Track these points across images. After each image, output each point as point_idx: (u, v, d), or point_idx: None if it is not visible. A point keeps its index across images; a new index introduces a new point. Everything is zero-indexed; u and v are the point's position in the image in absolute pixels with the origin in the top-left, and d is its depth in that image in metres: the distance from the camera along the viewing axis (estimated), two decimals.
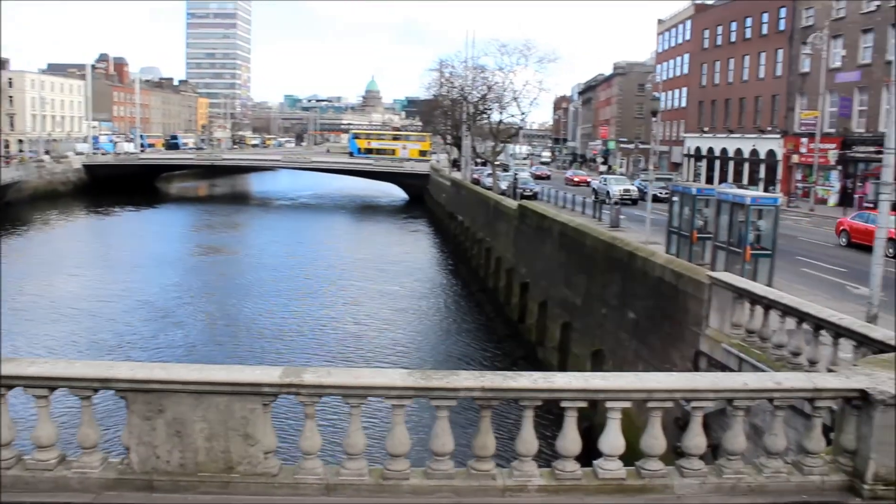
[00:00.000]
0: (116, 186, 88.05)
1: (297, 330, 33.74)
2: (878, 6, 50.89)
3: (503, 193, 51.32)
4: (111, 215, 77.09)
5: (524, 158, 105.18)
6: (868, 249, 17.59)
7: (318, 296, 41.37)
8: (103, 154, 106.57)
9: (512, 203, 40.80)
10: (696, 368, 15.25)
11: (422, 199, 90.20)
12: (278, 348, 30.70)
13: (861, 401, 8.16)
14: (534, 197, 53.47)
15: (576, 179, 79.03)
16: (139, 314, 35.61)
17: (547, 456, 7.74)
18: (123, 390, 6.72)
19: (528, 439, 7.44)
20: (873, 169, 45.75)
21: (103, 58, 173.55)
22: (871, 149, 47.84)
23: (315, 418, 7.08)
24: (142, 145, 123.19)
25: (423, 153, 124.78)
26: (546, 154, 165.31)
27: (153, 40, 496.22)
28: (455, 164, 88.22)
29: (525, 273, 33.59)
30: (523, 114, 63.33)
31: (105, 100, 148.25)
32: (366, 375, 7.37)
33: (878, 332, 10.59)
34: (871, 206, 32.87)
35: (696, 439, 7.98)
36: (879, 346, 9.96)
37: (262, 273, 47.60)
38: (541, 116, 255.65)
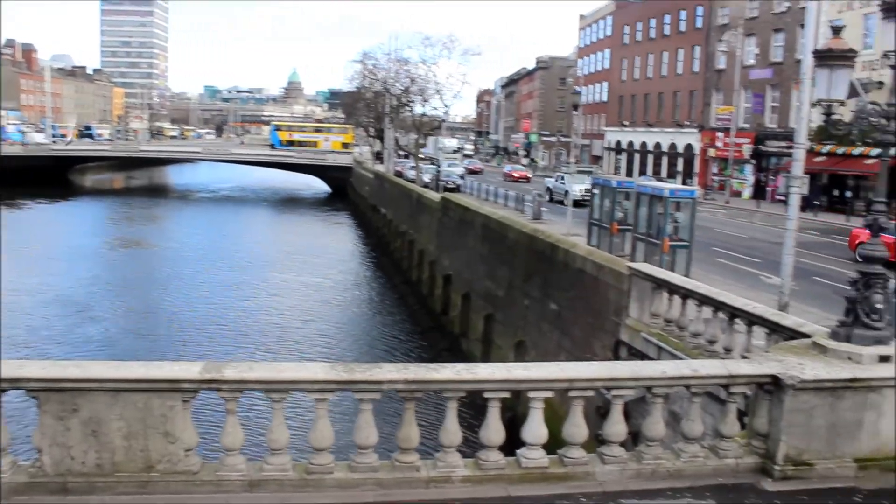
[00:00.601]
0: (26, 178, 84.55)
1: (220, 323, 33.14)
2: (788, 7, 52.72)
3: (426, 186, 51.36)
4: (21, 208, 74.14)
5: (454, 152, 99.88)
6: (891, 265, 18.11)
7: (241, 288, 40.70)
8: (11, 144, 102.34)
9: (435, 196, 40.85)
10: (616, 358, 15.54)
11: (344, 191, 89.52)
12: (200, 343, 30.08)
13: (773, 386, 8.45)
14: (457, 189, 53.47)
15: (515, 175, 73.62)
16: (54, 309, 34.44)
17: (473, 446, 7.79)
18: (35, 390, 6.48)
19: (452, 430, 7.48)
20: (784, 163, 47.38)
21: (10, 43, 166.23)
22: (783, 143, 49.57)
23: (237, 414, 6.97)
24: (53, 136, 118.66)
25: (345, 145, 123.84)
26: (469, 147, 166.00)
27: (65, 27, 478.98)
28: (378, 156, 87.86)
29: (448, 265, 33.69)
30: (446, 107, 63.45)
31: (12, 88, 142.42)
32: (288, 369, 7.28)
33: (789, 320, 10.99)
34: (783, 198, 34.02)
35: (616, 427, 8.14)
36: (790, 333, 10.33)
37: (182, 266, 46.58)
38: (464, 109, 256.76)
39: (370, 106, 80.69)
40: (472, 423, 8.59)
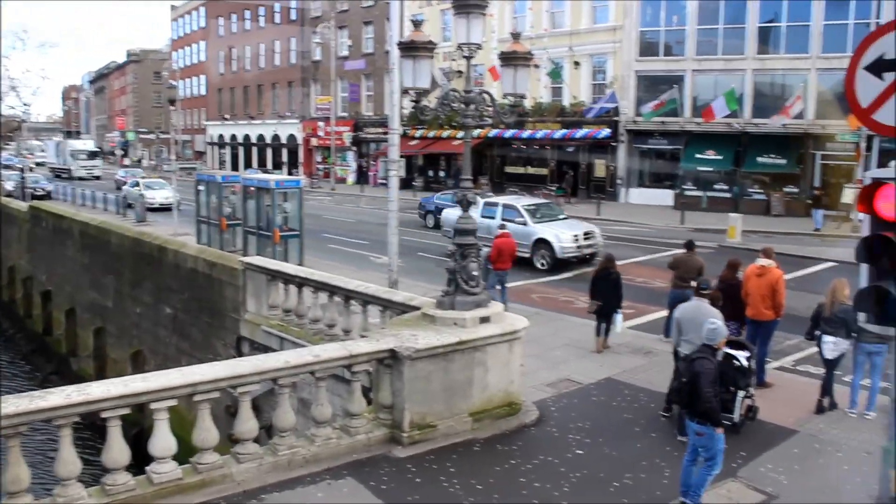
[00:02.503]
0: None
1: None
2: (375, 1, 55.87)
3: (10, 195, 45.86)
4: None
5: (90, 156, 73.50)
6: None
7: None
8: None
9: (22, 205, 36.65)
10: (240, 354, 15.33)
11: None
12: None
13: (392, 359, 8.94)
14: (47, 196, 48.45)
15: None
16: None
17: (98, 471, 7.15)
18: None
19: (69, 460, 6.80)
20: (382, 148, 50.33)
21: None
22: (380, 130, 52.64)
23: None
24: None
25: None
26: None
27: None
28: None
29: (46, 280, 30.58)
30: (25, 105, 57.21)
31: None
32: None
33: (399, 296, 11.70)
34: (384, 181, 36.08)
35: (247, 424, 8.03)
36: (402, 308, 11.00)
37: None
38: (49, 108, 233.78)
39: None
40: (98, 445, 7.86)
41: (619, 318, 13.70)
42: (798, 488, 8.28)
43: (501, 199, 25.86)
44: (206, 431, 7.66)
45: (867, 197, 5.23)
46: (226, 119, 78.76)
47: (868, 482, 7.64)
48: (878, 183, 5.20)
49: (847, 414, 10.48)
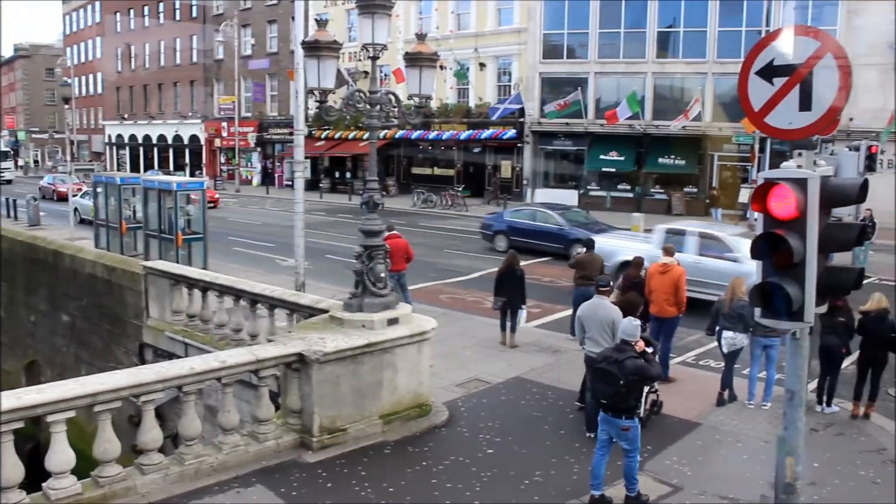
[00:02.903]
0: None
1: None
2: (279, 0, 55.07)
3: None
4: None
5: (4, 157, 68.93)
6: None
7: None
8: None
9: None
10: (143, 362, 14.90)
11: None
12: None
13: (300, 363, 8.84)
14: None
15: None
16: None
17: None
18: None
19: None
20: (288, 149, 49.66)
21: None
22: (285, 131, 51.95)
23: None
24: None
25: None
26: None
27: None
28: None
29: None
30: None
31: None
32: None
33: (306, 299, 11.57)
34: (290, 183, 35.59)
35: (151, 433, 7.81)
36: (310, 311, 10.88)
37: None
38: None
39: None
40: None
41: (522, 313, 14.18)
42: (701, 479, 8.58)
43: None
44: (108, 443, 7.40)
45: (760, 196, 5.43)
46: (125, 119, 76.26)
47: (766, 470, 7.98)
48: (770, 183, 5.41)
49: (746, 405, 10.92)
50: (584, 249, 15.04)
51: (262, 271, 20.68)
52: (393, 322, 9.76)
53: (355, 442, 9.08)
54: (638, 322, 8.24)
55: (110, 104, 79.72)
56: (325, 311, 10.31)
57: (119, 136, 78.29)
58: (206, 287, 13.14)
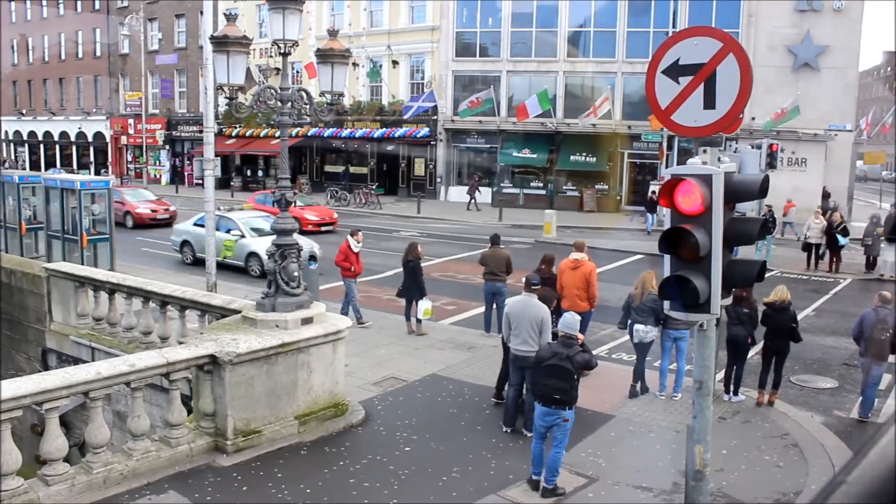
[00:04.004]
0: None
1: None
2: None
3: None
4: None
5: None
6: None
7: None
8: None
9: None
10: (46, 368, 14.34)
11: None
12: None
13: (212, 365, 8.66)
14: None
15: None
16: None
17: None
18: None
19: None
20: (198, 147, 48.52)
21: None
22: (195, 128, 50.69)
23: None
24: None
25: None
26: None
27: None
28: None
29: None
30: None
31: None
32: None
33: (218, 299, 11.34)
34: (201, 181, 34.84)
35: (55, 442, 7.53)
36: (221, 312, 10.67)
37: None
38: None
39: None
40: None
41: (422, 303, 14.47)
42: (616, 469, 8.79)
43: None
44: (8, 454, 7.09)
45: (668, 192, 5.59)
46: (23, 114, 73.11)
47: (677, 458, 8.23)
48: (677, 179, 5.57)
49: (657, 397, 11.22)
50: (490, 245, 15.14)
51: (173, 272, 20.18)
52: (307, 321, 9.67)
53: (271, 444, 8.95)
54: (578, 316, 8.44)
55: (6, 99, 76.22)
56: (238, 312, 10.13)
57: (17, 132, 74.98)
58: (113, 289, 12.73)
